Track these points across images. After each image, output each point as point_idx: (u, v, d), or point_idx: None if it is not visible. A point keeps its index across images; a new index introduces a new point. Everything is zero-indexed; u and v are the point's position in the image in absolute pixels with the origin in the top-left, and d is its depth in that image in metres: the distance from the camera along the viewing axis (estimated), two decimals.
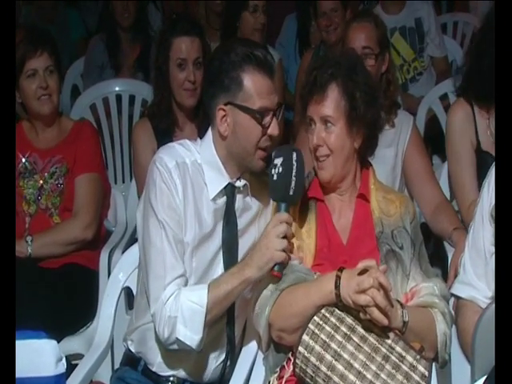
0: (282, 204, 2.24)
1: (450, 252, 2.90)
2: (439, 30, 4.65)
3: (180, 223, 2.31)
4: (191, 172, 2.34)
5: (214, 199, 2.35)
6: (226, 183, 2.36)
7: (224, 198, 2.36)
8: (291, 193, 2.22)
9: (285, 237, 2.20)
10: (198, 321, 2.24)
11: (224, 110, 2.29)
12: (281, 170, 2.22)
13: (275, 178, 2.23)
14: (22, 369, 1.74)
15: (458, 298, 2.38)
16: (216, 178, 2.35)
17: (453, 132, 3.02)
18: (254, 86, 2.26)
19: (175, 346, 2.29)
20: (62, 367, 1.79)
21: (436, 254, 3.18)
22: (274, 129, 2.29)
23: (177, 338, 2.26)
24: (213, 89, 2.31)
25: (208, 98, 2.34)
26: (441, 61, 4.60)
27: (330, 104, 2.30)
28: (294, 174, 2.21)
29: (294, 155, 2.23)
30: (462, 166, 2.98)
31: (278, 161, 2.24)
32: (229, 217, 2.37)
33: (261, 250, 2.21)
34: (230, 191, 2.36)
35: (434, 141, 4.06)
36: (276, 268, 2.21)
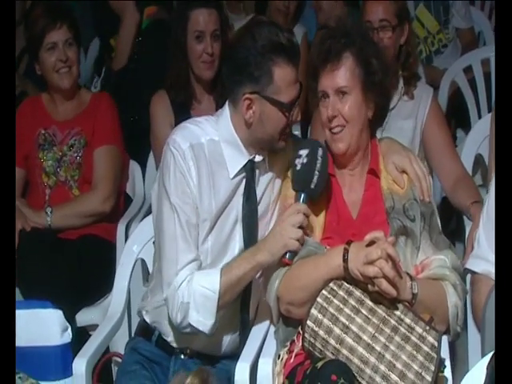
0: (301, 194, 2.25)
1: (469, 226, 2.86)
2: (466, 1, 4.55)
3: (194, 207, 2.32)
4: (207, 151, 2.34)
5: (234, 176, 2.36)
6: (246, 160, 2.36)
7: (243, 174, 2.37)
8: (312, 186, 2.24)
9: (300, 227, 2.21)
10: (210, 306, 2.26)
11: (250, 99, 2.28)
12: (305, 161, 2.25)
13: (298, 167, 2.26)
14: (27, 338, 1.77)
15: (472, 272, 2.35)
16: (235, 156, 2.36)
17: None
18: (284, 79, 2.27)
19: (188, 330, 2.32)
20: (68, 337, 1.81)
21: (457, 229, 3.15)
22: (297, 116, 2.32)
23: (189, 324, 2.28)
24: (240, 77, 2.29)
25: (234, 84, 2.32)
26: (466, 32, 4.48)
27: (345, 73, 2.29)
28: (317, 168, 2.24)
29: (320, 151, 2.26)
30: None
31: (304, 152, 2.26)
32: (249, 193, 2.37)
33: (275, 236, 2.23)
34: (249, 168, 2.37)
35: (457, 113, 4.00)
36: (288, 256, 2.23)
